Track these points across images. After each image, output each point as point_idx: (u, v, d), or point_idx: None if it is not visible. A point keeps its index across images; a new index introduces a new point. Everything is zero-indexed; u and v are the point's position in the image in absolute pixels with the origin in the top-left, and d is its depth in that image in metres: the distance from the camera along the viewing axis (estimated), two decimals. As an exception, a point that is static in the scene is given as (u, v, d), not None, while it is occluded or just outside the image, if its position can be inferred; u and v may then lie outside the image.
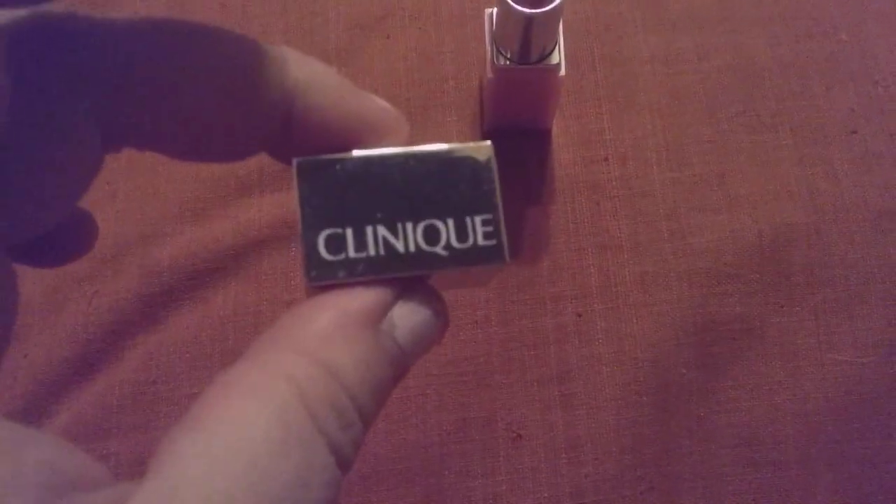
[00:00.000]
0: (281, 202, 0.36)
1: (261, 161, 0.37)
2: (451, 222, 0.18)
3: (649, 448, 0.34)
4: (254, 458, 0.12)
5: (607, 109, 0.38)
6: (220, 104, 0.16)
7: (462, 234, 0.18)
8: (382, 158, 0.18)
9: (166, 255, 0.36)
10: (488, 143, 0.19)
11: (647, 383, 0.34)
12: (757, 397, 0.34)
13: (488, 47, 0.31)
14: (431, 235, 0.18)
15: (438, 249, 0.18)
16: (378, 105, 0.18)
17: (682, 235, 0.36)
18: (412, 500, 0.33)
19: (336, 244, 0.17)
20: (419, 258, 0.18)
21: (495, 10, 0.31)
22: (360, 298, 0.16)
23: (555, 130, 0.38)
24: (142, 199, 0.37)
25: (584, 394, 0.34)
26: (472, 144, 0.19)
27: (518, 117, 0.36)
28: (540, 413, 0.34)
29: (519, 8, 0.27)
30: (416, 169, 0.19)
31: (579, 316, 0.35)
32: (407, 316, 0.16)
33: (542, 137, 0.38)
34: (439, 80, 0.39)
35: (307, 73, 0.17)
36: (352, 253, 0.17)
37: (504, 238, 0.19)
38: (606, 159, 0.37)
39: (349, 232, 0.17)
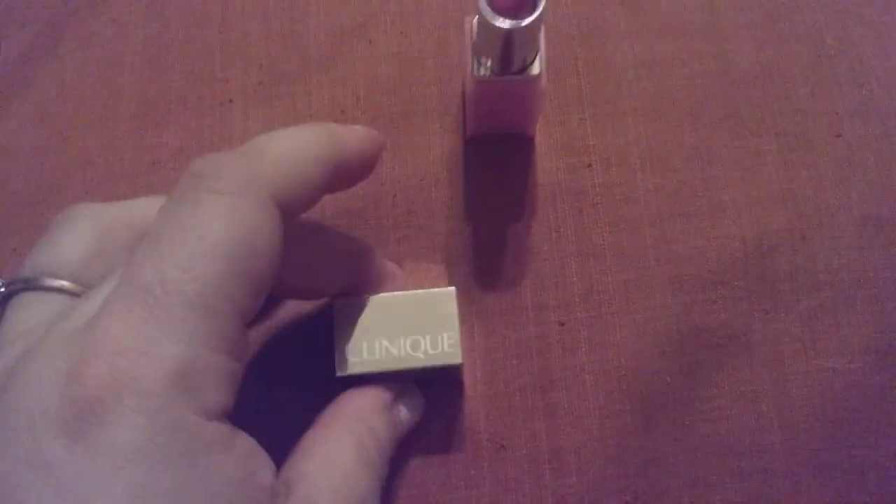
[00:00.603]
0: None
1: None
2: (427, 337, 0.31)
3: (634, 457, 0.33)
4: (350, 476, 0.25)
5: (590, 115, 0.38)
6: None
7: (434, 344, 0.31)
8: (386, 299, 0.31)
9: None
10: (452, 289, 0.31)
11: (631, 392, 0.34)
12: (742, 405, 0.34)
13: (469, 57, 0.31)
14: (415, 345, 0.31)
15: (419, 354, 0.31)
16: (389, 270, 0.33)
17: (666, 242, 0.36)
18: (394, 513, 0.33)
19: (356, 350, 0.30)
20: (406, 359, 0.30)
21: (476, 19, 0.30)
22: (385, 392, 0.30)
23: (538, 137, 0.37)
24: (119, 209, 0.37)
25: (567, 403, 0.34)
26: (441, 290, 0.31)
27: (500, 125, 0.36)
28: (523, 423, 0.34)
29: (498, 22, 0.27)
30: (406, 303, 0.31)
31: (562, 325, 0.35)
32: (407, 403, 0.31)
33: (524, 144, 0.37)
34: (422, 86, 0.38)
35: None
36: (365, 356, 0.30)
37: (460, 347, 0.31)
38: (590, 165, 0.37)
39: (364, 343, 0.31)
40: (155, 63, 0.40)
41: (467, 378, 0.34)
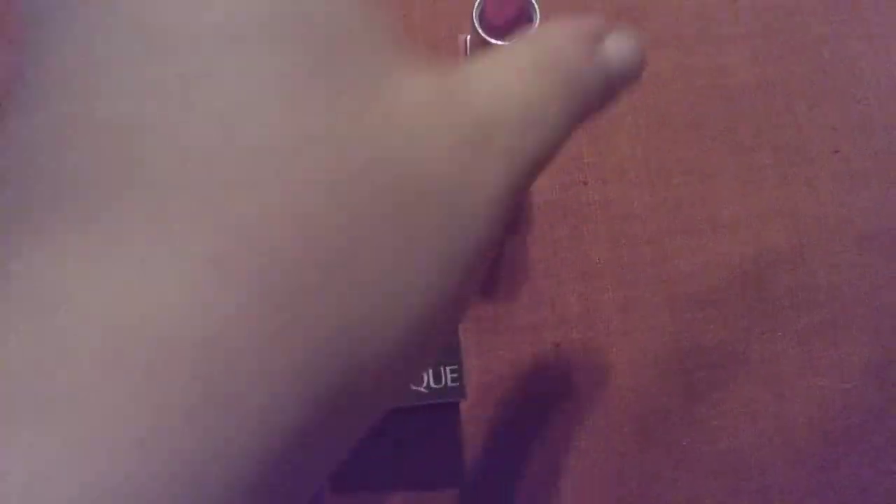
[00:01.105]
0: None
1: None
2: (430, 371, 0.30)
3: (633, 478, 0.33)
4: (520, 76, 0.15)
5: (585, 132, 0.37)
6: None
7: (437, 378, 0.30)
8: None
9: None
10: None
11: (629, 412, 0.34)
12: (741, 424, 0.34)
13: None
14: (418, 379, 0.30)
15: (422, 389, 0.30)
16: None
17: (665, 259, 0.36)
18: (390, 537, 0.32)
19: None
20: (410, 395, 0.30)
21: (468, 36, 0.30)
22: (586, 22, 0.18)
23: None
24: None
25: (564, 423, 0.34)
26: None
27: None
28: (521, 445, 0.34)
29: (490, 39, 0.27)
30: None
31: (557, 346, 0.35)
32: (618, 43, 0.18)
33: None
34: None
35: None
36: None
37: (465, 381, 0.30)
38: (586, 183, 0.37)
39: None
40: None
41: (464, 403, 0.34)
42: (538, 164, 0.14)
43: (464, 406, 0.34)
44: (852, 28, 0.40)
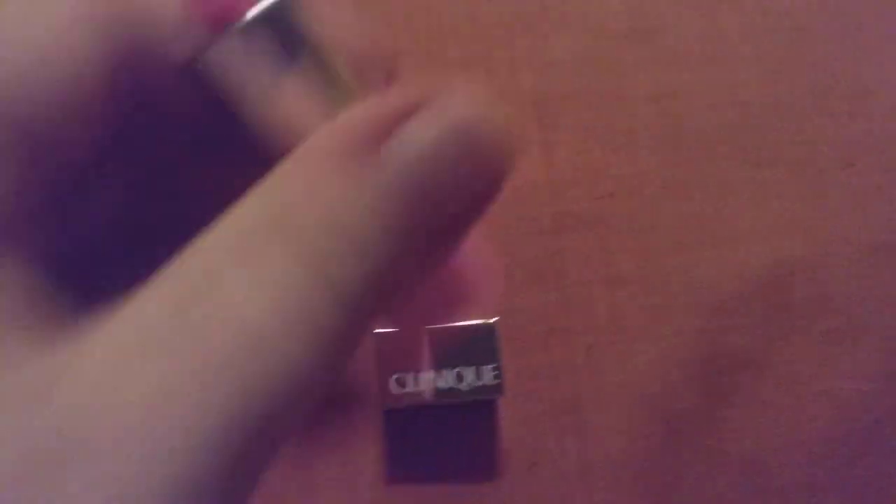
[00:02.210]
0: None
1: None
2: (471, 369, 0.32)
3: (660, 475, 0.35)
4: None
5: (611, 147, 0.39)
6: None
7: (479, 376, 0.32)
8: (428, 329, 0.31)
9: None
10: (495, 320, 0.33)
11: (656, 412, 0.35)
12: (763, 425, 0.36)
13: None
14: (459, 377, 0.32)
15: (463, 386, 0.32)
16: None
17: (687, 269, 0.37)
18: (431, 531, 0.34)
19: (401, 382, 0.32)
20: (451, 393, 0.32)
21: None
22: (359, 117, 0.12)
23: (562, 166, 0.39)
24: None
25: (595, 422, 0.35)
26: (484, 322, 0.33)
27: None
28: (554, 442, 0.35)
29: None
30: (450, 335, 0.33)
31: (589, 348, 0.36)
32: (417, 133, 0.12)
33: (544, 176, 0.39)
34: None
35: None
36: (411, 388, 0.32)
37: (503, 378, 0.33)
38: (612, 195, 0.39)
39: (409, 375, 0.32)
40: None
41: (500, 400, 0.36)
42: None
43: (500, 403, 0.35)
44: (863, 47, 0.42)
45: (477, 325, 0.33)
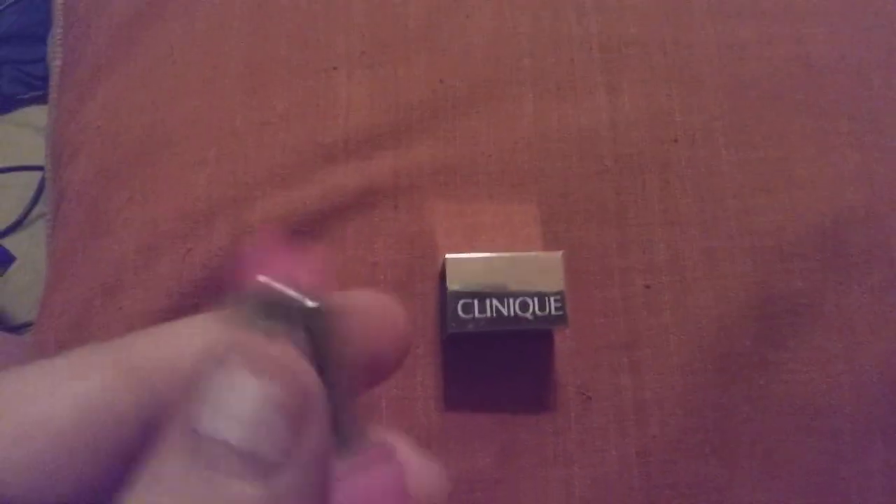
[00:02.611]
0: (364, 170, 0.38)
1: (346, 131, 0.39)
2: (535, 299, 0.33)
3: (712, 413, 0.36)
4: None
5: (677, 92, 0.40)
6: None
7: (542, 306, 0.33)
8: (495, 260, 0.34)
9: (256, 216, 0.38)
10: (559, 253, 0.34)
11: (711, 352, 0.36)
12: (814, 369, 0.36)
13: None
14: (523, 307, 0.33)
15: (528, 315, 0.33)
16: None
17: (747, 214, 0.38)
18: (490, 452, 0.35)
19: (467, 308, 0.33)
20: (516, 320, 0.33)
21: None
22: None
23: (626, 109, 0.40)
24: (232, 164, 0.39)
25: (651, 360, 0.36)
26: (548, 254, 0.34)
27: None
28: (609, 377, 0.36)
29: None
30: (514, 264, 0.33)
31: (647, 287, 0.37)
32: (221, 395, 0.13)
33: (607, 116, 0.40)
34: (515, 58, 0.41)
35: None
36: (476, 314, 0.33)
37: (567, 309, 0.33)
38: (676, 140, 0.39)
39: (476, 302, 0.33)
40: (261, 30, 0.42)
41: (557, 334, 0.36)
42: None
43: (557, 339, 0.36)
44: (929, 7, 0.42)
45: (543, 255, 0.34)
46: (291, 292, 0.14)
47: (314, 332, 0.14)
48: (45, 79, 0.48)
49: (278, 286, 0.14)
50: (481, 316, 0.33)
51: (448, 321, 0.33)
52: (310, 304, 0.14)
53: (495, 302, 0.33)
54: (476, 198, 0.38)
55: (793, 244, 0.37)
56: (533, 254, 0.34)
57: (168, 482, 0.12)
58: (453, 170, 0.39)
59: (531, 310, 0.33)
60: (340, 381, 0.15)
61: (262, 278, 0.15)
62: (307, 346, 0.14)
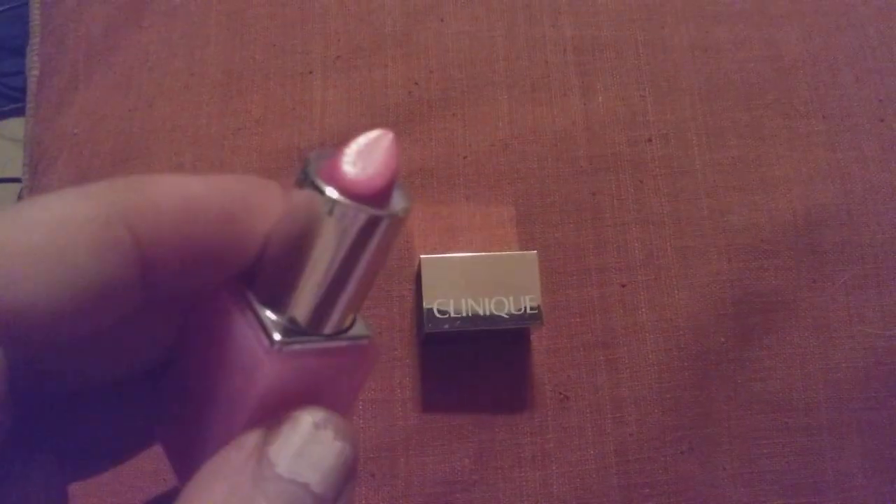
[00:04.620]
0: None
1: (322, 134, 0.39)
2: (511, 298, 0.33)
3: (689, 411, 0.36)
4: None
5: (650, 93, 0.40)
6: None
7: (518, 305, 0.33)
8: (471, 260, 0.34)
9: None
10: (534, 252, 0.34)
11: (687, 350, 0.36)
12: (790, 366, 0.36)
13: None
14: (499, 306, 0.33)
15: (503, 314, 0.33)
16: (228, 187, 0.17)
17: (722, 213, 0.38)
18: (468, 453, 0.35)
19: (442, 309, 0.33)
20: (491, 319, 0.33)
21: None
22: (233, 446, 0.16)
23: (600, 111, 0.40)
24: (209, 169, 0.39)
25: (627, 358, 0.36)
26: (523, 253, 0.34)
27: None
28: (586, 376, 0.36)
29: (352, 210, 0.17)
30: (490, 264, 0.34)
31: (623, 286, 0.37)
32: (285, 442, 0.16)
33: (582, 120, 0.40)
34: (490, 62, 0.41)
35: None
36: (452, 313, 0.33)
37: (542, 309, 0.33)
38: (650, 140, 0.39)
39: (451, 301, 0.33)
40: (237, 36, 0.43)
41: (534, 334, 0.36)
42: None
43: (534, 339, 0.36)
44: (895, 8, 0.42)
45: (517, 255, 0.34)
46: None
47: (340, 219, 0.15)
48: (24, 90, 0.48)
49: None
50: (457, 316, 0.33)
51: (424, 321, 0.33)
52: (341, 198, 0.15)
53: (471, 302, 0.33)
54: (452, 199, 0.38)
55: (766, 242, 0.38)
56: (508, 253, 0.34)
57: (226, 499, 0.14)
58: (429, 172, 0.39)
59: (507, 309, 0.33)
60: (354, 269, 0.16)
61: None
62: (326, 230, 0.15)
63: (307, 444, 0.15)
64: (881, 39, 0.42)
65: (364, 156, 0.16)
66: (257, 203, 0.16)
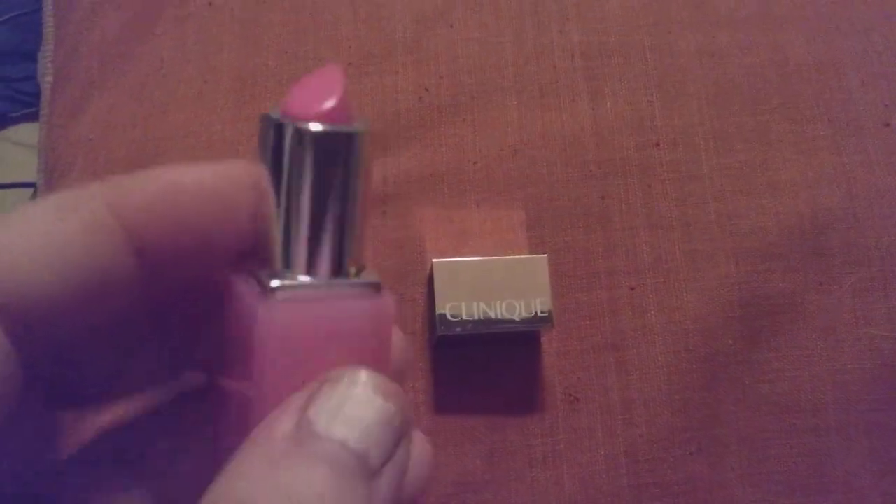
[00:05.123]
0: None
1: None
2: (522, 301, 0.34)
3: (698, 412, 0.36)
4: None
5: (658, 98, 0.41)
6: None
7: (529, 308, 0.34)
8: (482, 263, 0.34)
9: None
10: (544, 256, 0.35)
11: (696, 352, 0.37)
12: (798, 368, 0.37)
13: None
14: (510, 309, 0.34)
15: (514, 317, 0.34)
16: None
17: (729, 217, 0.39)
18: (479, 454, 0.35)
19: (454, 313, 0.33)
20: (502, 322, 0.33)
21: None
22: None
23: (608, 116, 0.40)
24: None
25: (637, 360, 0.37)
26: (534, 257, 0.35)
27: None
28: (596, 378, 0.37)
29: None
30: (501, 268, 0.34)
31: (632, 289, 0.38)
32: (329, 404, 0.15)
33: (591, 125, 0.40)
34: (500, 67, 0.41)
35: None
36: (464, 317, 0.33)
37: (553, 312, 0.34)
38: (658, 144, 0.40)
39: (463, 305, 0.33)
40: (250, 44, 0.43)
41: (544, 337, 0.37)
42: None
43: (544, 342, 0.37)
44: (902, 13, 0.43)
45: (528, 259, 0.35)
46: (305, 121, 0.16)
47: (327, 153, 0.16)
48: (35, 95, 0.49)
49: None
50: (469, 319, 0.34)
51: (437, 324, 0.34)
52: (318, 128, 0.16)
53: (482, 305, 0.34)
54: (463, 204, 0.39)
55: (773, 245, 0.38)
56: (519, 257, 0.35)
57: (266, 463, 0.14)
58: (440, 177, 0.39)
59: (518, 312, 0.34)
60: (350, 198, 0.17)
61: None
62: (314, 167, 0.16)
63: (345, 402, 0.15)
64: (886, 44, 0.42)
65: (311, 82, 0.16)
66: (245, 183, 0.17)
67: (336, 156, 0.16)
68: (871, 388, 0.37)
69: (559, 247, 0.38)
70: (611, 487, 0.35)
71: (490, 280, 0.34)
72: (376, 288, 0.17)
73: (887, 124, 0.41)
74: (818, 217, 0.39)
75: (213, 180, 0.17)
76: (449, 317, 0.33)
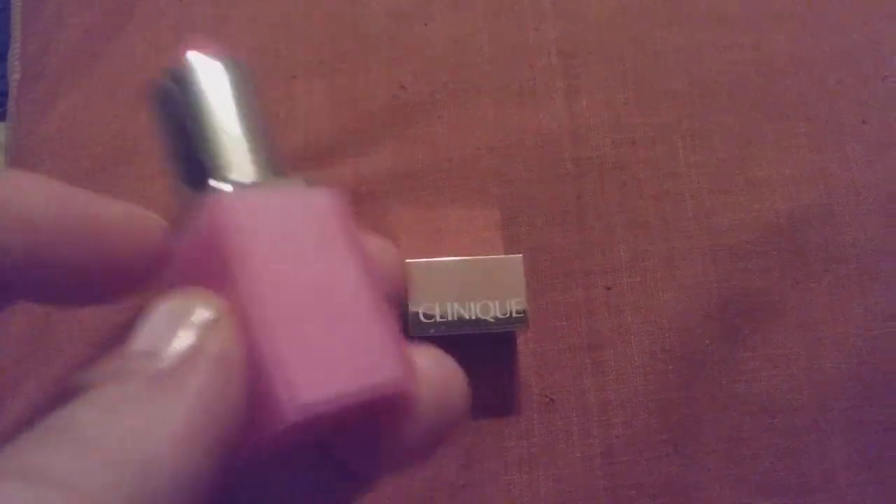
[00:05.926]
0: (325, 177, 0.38)
1: (306, 139, 0.39)
2: (496, 302, 0.33)
3: (675, 413, 0.36)
4: None
5: (635, 96, 0.40)
6: None
7: (503, 309, 0.33)
8: (456, 264, 0.33)
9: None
10: (519, 256, 0.34)
11: (673, 352, 0.36)
12: (775, 367, 0.37)
13: None
14: (485, 309, 0.33)
15: (489, 318, 0.33)
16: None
17: (706, 215, 0.38)
18: (454, 458, 0.35)
19: (428, 313, 0.33)
20: (477, 323, 0.33)
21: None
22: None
23: (584, 114, 0.40)
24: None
25: (613, 361, 0.36)
26: (509, 257, 0.34)
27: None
28: (572, 379, 0.36)
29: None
30: (475, 268, 0.33)
31: (609, 289, 0.37)
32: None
33: (566, 124, 0.40)
34: (476, 65, 0.41)
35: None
36: (438, 318, 0.33)
37: (528, 312, 0.33)
38: (634, 142, 0.39)
39: (437, 306, 0.33)
40: (221, 41, 0.42)
41: (520, 338, 0.36)
42: None
43: (519, 343, 0.36)
44: (879, 13, 0.43)
45: (503, 258, 0.34)
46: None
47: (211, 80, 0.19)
48: (6, 95, 0.48)
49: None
50: (443, 320, 0.33)
51: (410, 326, 0.33)
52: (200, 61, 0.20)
53: (456, 306, 0.33)
54: (438, 203, 0.38)
55: (751, 243, 0.38)
56: (494, 257, 0.34)
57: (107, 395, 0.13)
58: (415, 175, 0.39)
59: (492, 313, 0.33)
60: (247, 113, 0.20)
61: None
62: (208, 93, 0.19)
63: (146, 319, 0.15)
64: (865, 44, 0.42)
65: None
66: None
67: (231, 74, 0.20)
68: (848, 387, 0.36)
69: (535, 246, 0.38)
70: (587, 489, 0.35)
71: (464, 280, 0.34)
72: (315, 184, 0.18)
73: (864, 122, 0.40)
74: (795, 214, 0.38)
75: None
76: (422, 318, 0.33)
